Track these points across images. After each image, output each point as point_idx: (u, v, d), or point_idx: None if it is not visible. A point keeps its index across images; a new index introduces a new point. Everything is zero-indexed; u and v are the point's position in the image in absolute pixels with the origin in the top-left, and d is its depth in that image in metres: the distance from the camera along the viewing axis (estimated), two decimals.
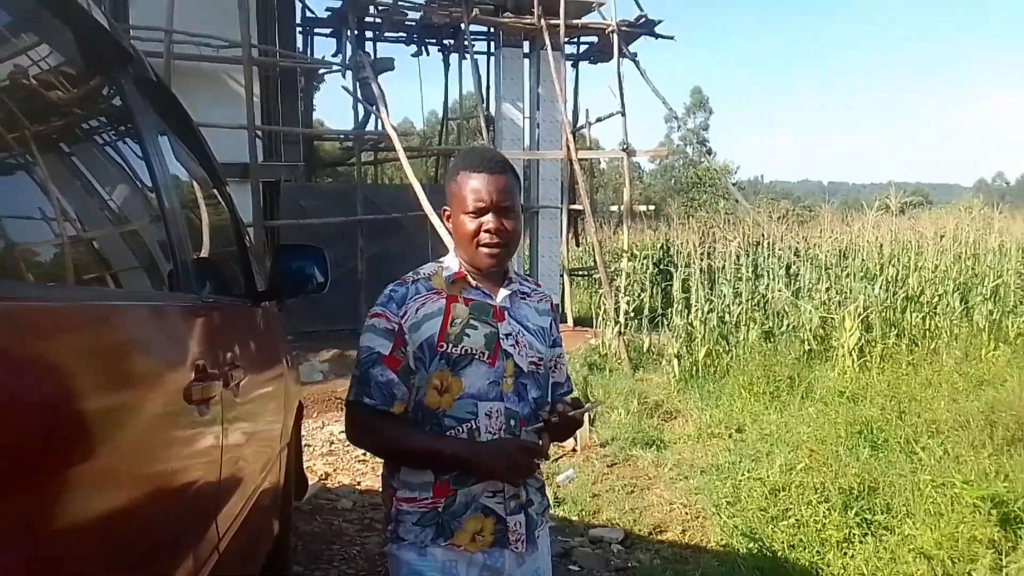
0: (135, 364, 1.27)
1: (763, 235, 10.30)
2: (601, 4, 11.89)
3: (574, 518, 4.21)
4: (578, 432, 5.37)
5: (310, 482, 4.25)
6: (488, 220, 1.60)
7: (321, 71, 13.78)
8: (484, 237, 1.60)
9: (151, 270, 1.65)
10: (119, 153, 1.63)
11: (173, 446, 1.41)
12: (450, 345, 1.58)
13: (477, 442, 1.58)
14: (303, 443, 4.32)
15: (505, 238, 1.61)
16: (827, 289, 8.17)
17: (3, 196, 1.06)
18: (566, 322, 11.55)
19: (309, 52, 13.45)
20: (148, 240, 1.66)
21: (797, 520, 3.64)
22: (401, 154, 9.90)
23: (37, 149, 1.19)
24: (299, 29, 12.96)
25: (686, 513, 4.21)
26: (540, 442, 1.63)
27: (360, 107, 11.70)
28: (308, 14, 13.02)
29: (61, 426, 0.95)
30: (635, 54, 12.22)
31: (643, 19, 12.09)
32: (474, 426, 1.59)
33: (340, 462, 5.26)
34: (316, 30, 13.42)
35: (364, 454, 5.37)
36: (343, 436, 5.71)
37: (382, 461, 1.73)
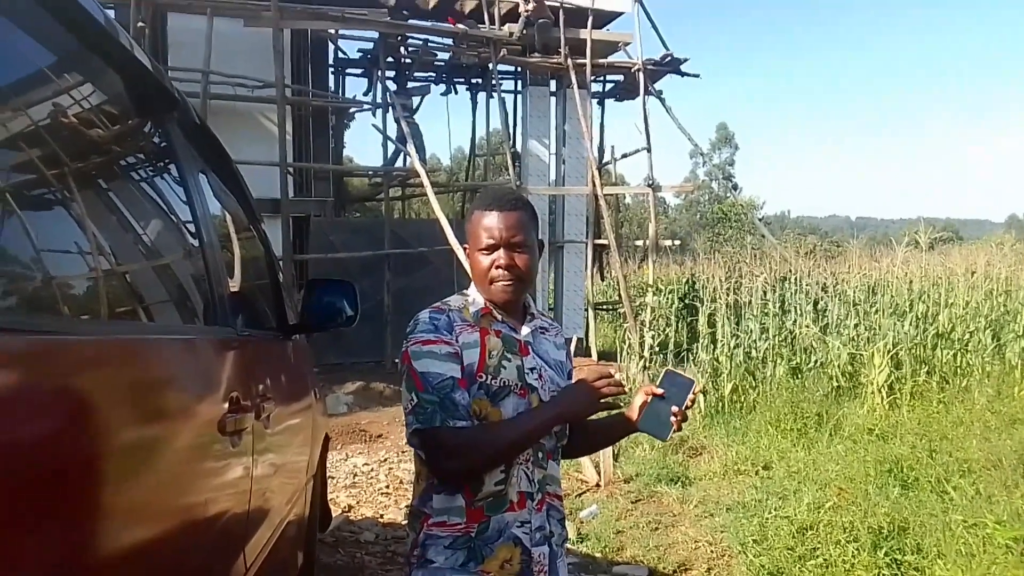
0: (172, 396, 1.32)
1: (790, 270, 10.24)
2: (627, 43, 12.07)
3: (597, 555, 4.18)
4: (602, 467, 5.36)
5: (333, 514, 4.27)
6: (499, 256, 1.65)
7: (352, 109, 14.10)
8: (495, 273, 1.65)
9: (189, 303, 1.72)
10: (163, 192, 1.71)
11: (206, 477, 1.45)
12: (489, 377, 1.62)
13: (552, 400, 1.66)
14: (327, 475, 4.35)
15: (516, 273, 1.66)
16: (856, 325, 8.08)
17: (55, 232, 1.12)
18: (590, 356, 11.52)
19: (341, 91, 13.78)
20: (187, 274, 1.73)
21: (825, 560, 3.58)
22: (429, 190, 10.06)
23: (86, 187, 1.26)
24: (331, 69, 13.30)
25: (711, 551, 4.16)
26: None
27: (390, 144, 11.93)
28: (340, 55, 13.38)
29: (101, 457, 0.99)
30: (660, 91, 12.36)
31: (669, 57, 12.23)
32: None
33: (363, 494, 5.28)
34: (348, 70, 13.76)
35: (387, 486, 5.39)
36: (367, 468, 5.79)
37: (410, 492, 1.75)
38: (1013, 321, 7.97)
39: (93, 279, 1.22)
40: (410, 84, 13.05)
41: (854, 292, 9.02)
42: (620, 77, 13.01)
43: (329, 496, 4.35)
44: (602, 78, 13.42)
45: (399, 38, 11.59)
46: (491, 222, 1.65)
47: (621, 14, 12.27)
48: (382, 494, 5.26)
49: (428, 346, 1.61)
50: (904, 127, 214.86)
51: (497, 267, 1.65)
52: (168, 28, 9.49)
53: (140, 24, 8.51)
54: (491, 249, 1.65)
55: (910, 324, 7.59)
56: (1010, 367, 7.42)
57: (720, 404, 7.24)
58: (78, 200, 1.21)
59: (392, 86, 11.77)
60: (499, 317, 1.70)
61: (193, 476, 1.37)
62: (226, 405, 1.53)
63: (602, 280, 15.08)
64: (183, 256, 1.73)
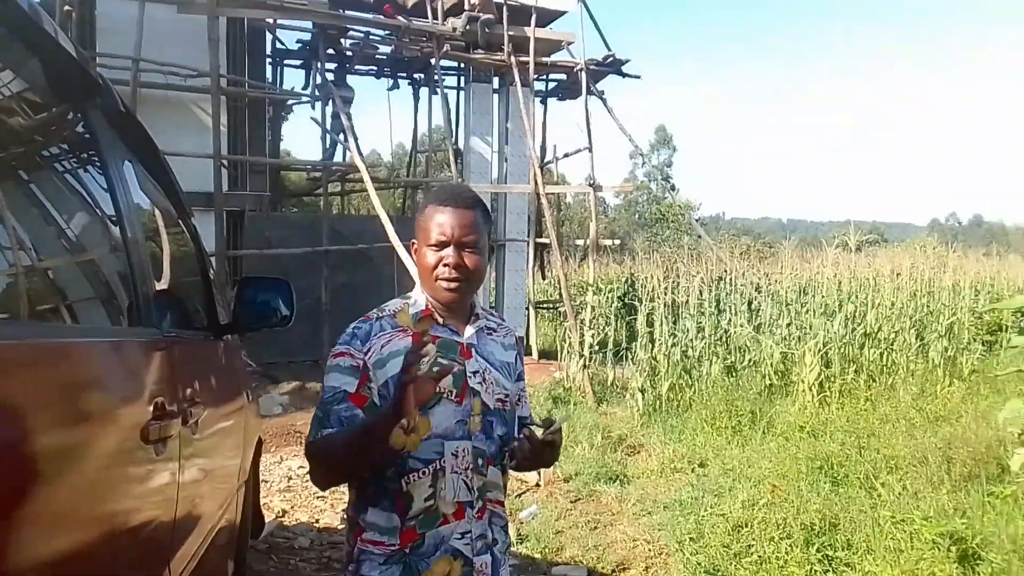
0: (91, 403, 1.24)
1: (725, 271, 10.45)
2: (570, 43, 12.11)
3: (537, 556, 4.17)
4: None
5: (266, 519, 4.14)
6: (448, 254, 1.60)
7: (290, 102, 13.75)
8: (442, 271, 1.60)
9: (111, 303, 1.62)
10: (83, 183, 1.61)
11: (127, 487, 1.37)
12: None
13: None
14: (260, 479, 4.22)
15: (464, 274, 1.61)
16: (788, 325, 8.30)
17: None
18: (531, 355, 11.54)
19: (278, 83, 13.43)
20: (109, 272, 1.63)
21: (759, 556, 3.65)
22: (369, 185, 9.89)
23: (2, 178, 1.17)
24: (269, 60, 12.94)
25: (649, 550, 4.20)
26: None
27: (328, 137, 11.68)
28: (279, 45, 13.03)
29: (11, 467, 0.93)
30: (602, 92, 12.44)
31: (611, 58, 12.34)
32: (439, 466, 1.57)
33: (298, 499, 5.14)
34: (286, 61, 13.42)
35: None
36: (302, 471, 5.65)
37: (346, 499, 1.69)
38: (936, 321, 8.32)
39: (7, 276, 1.13)
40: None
41: (786, 292, 9.26)
42: (563, 76, 13.05)
43: (262, 501, 4.22)
44: (545, 77, 13.44)
45: (339, 30, 11.36)
46: (444, 219, 1.60)
47: (564, 13, 12.31)
48: (318, 498, 5.13)
49: (337, 359, 1.60)
50: (833, 132, 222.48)
51: (445, 264, 1.60)
52: (97, 13, 9.07)
53: (67, 8, 8.11)
54: (440, 246, 1.60)
55: (839, 324, 7.82)
56: (933, 365, 7.74)
57: (657, 403, 7.35)
58: None
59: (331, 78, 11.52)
60: (440, 320, 1.64)
61: (113, 486, 1.30)
62: (150, 410, 1.45)
63: (543, 279, 15.11)
64: (105, 252, 1.63)
